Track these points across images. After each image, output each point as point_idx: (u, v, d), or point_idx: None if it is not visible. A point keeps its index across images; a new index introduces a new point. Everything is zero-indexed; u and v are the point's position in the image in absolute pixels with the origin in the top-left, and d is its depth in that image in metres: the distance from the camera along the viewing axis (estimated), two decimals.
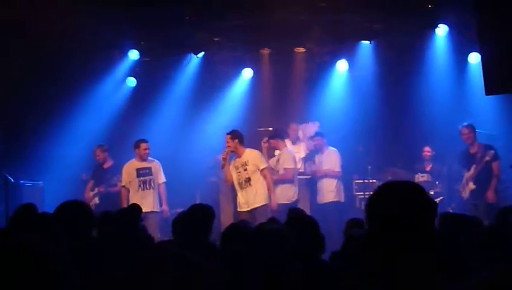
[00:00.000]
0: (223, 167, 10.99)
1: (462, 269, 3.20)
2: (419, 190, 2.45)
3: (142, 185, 11.64)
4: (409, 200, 2.38)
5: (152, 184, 11.65)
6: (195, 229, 5.14)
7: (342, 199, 12.18)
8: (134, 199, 11.37)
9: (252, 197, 10.73)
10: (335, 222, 10.70)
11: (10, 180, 11.57)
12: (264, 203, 10.74)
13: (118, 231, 4.89)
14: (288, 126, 13.48)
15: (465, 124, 11.43)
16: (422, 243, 2.31)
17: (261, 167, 10.85)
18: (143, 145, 11.71)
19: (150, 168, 11.72)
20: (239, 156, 10.86)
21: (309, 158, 12.91)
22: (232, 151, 10.85)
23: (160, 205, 11.76)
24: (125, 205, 11.30)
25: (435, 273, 2.29)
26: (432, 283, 2.26)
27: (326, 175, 12.15)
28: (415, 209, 2.35)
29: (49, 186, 12.75)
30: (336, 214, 11.51)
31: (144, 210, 10.76)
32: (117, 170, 12.24)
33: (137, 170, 11.68)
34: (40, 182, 12.82)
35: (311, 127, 13.42)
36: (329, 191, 12.08)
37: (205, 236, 5.20)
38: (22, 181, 12.39)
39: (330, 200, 12.00)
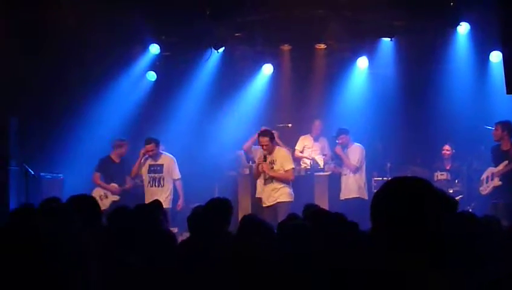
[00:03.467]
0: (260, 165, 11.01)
1: (479, 266, 3.18)
2: (426, 186, 2.40)
3: (151, 182, 11.57)
4: (413, 196, 2.34)
5: (162, 182, 11.53)
6: (214, 223, 5.16)
7: (365, 196, 11.96)
8: (146, 195, 11.47)
9: (272, 194, 10.81)
10: (356, 217, 10.54)
11: (30, 172, 11.66)
12: (286, 201, 10.76)
13: (133, 225, 4.92)
14: (312, 123, 13.47)
15: (499, 121, 11.25)
16: (426, 240, 2.27)
17: (287, 168, 10.92)
18: (146, 147, 11.58)
19: (161, 166, 11.60)
20: (269, 153, 10.92)
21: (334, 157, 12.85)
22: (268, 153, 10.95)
23: (177, 200, 11.66)
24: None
25: (439, 271, 2.25)
26: (436, 280, 2.24)
27: (341, 157, 12.08)
28: (420, 205, 2.31)
29: (69, 179, 12.83)
30: (357, 210, 11.15)
31: None
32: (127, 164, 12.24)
33: (150, 166, 11.62)
34: (60, 175, 12.89)
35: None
36: (351, 187, 12.01)
37: (223, 230, 5.22)
38: (42, 174, 12.45)
39: (352, 197, 11.91)
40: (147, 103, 14.31)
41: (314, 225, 4.95)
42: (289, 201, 10.74)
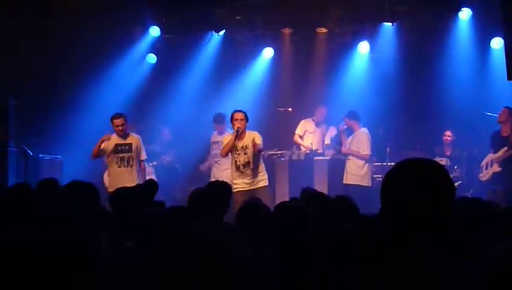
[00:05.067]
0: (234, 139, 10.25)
1: (473, 248, 3.17)
2: (438, 168, 2.38)
3: (119, 162, 10.93)
4: (425, 177, 2.31)
5: (131, 162, 10.94)
6: (213, 206, 5.16)
7: (367, 183, 11.75)
8: (113, 176, 10.93)
9: (251, 179, 10.30)
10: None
11: (29, 153, 11.65)
12: (265, 185, 10.41)
13: (130, 206, 4.92)
14: (313, 107, 13.33)
15: (508, 105, 11.21)
16: (435, 222, 2.25)
17: (258, 142, 10.21)
18: (115, 122, 10.92)
19: (129, 145, 11.00)
20: (240, 139, 10.32)
21: (335, 140, 12.80)
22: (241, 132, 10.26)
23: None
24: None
25: (446, 253, 2.23)
26: (442, 262, 2.22)
27: (351, 154, 11.90)
28: (431, 186, 2.28)
29: (68, 161, 12.83)
30: (357, 197, 10.84)
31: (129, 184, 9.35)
32: None
33: (116, 145, 10.95)
34: (59, 157, 12.89)
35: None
36: (352, 173, 11.80)
37: (222, 213, 5.22)
38: (40, 155, 12.45)
39: (352, 183, 11.72)
40: (147, 85, 14.29)
41: (311, 207, 4.94)
42: (267, 185, 10.48)
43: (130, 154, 10.95)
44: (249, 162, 10.28)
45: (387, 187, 2.36)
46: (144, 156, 11.18)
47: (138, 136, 11.27)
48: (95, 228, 1.80)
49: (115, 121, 10.90)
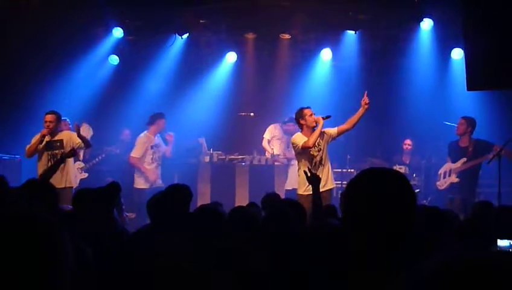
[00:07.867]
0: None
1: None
2: (400, 176, 2.40)
3: (51, 160, 10.40)
4: (389, 183, 2.33)
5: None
6: (172, 209, 5.15)
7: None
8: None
9: (325, 179, 9.53)
10: None
11: None
12: (333, 187, 10.05)
13: (95, 208, 4.90)
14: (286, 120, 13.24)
15: (465, 116, 11.18)
16: (399, 227, 2.27)
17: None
18: (45, 117, 10.52)
19: (61, 141, 10.56)
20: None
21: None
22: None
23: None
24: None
25: (409, 258, 2.25)
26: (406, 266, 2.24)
27: (289, 159, 12.02)
28: (395, 191, 2.30)
29: (26, 161, 12.69)
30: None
31: (57, 186, 8.53)
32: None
33: (47, 142, 10.53)
34: (17, 156, 12.75)
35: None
36: (292, 178, 11.66)
37: (182, 216, 5.21)
38: None
39: (291, 188, 11.64)
40: (109, 86, 14.20)
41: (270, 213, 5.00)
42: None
43: (62, 150, 10.41)
44: (322, 158, 9.77)
45: (348, 203, 2.37)
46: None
47: (71, 132, 10.85)
48: (61, 230, 1.77)
49: (46, 116, 10.54)
